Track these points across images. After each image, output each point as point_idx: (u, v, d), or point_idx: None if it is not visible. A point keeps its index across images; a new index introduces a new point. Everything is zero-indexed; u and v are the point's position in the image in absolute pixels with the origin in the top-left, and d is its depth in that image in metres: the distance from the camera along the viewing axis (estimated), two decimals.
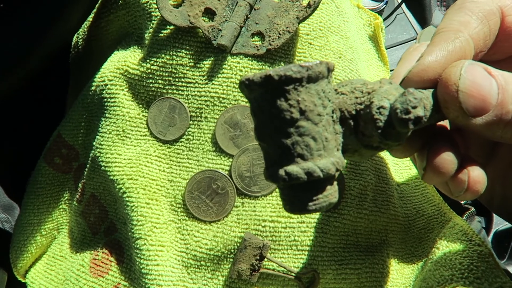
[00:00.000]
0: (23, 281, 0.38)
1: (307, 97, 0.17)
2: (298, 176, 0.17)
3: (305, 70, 0.17)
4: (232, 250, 0.31)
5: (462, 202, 0.42)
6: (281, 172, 0.18)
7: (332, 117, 0.18)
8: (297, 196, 0.18)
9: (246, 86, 0.18)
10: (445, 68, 0.21)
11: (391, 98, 0.18)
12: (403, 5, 0.56)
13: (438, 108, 0.21)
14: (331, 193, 0.19)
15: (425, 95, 0.21)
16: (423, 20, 0.56)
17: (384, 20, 0.51)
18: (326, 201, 0.18)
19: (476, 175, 0.22)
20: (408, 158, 0.39)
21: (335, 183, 0.19)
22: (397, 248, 0.34)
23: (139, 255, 0.31)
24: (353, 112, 0.19)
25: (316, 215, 0.31)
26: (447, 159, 0.22)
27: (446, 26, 0.23)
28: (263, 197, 0.32)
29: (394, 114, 0.18)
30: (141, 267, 0.31)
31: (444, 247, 0.31)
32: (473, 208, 0.40)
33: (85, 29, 0.38)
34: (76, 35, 0.39)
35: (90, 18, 0.37)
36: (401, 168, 0.38)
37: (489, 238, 0.47)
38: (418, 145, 0.23)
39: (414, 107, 0.17)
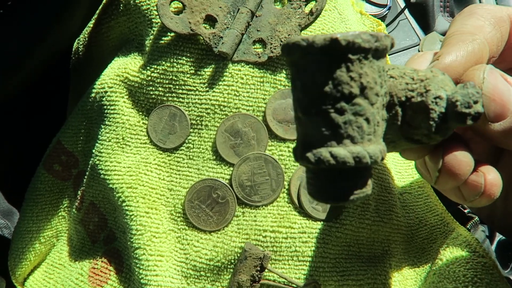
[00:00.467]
0: None
1: (370, 72, 0.15)
2: (345, 160, 0.15)
3: (374, 40, 0.15)
4: (232, 261, 0.30)
5: (465, 211, 0.41)
6: (325, 153, 0.15)
7: (383, 100, 0.17)
8: (333, 185, 0.16)
9: (301, 49, 0.15)
10: (466, 69, 0.20)
11: (448, 89, 0.17)
12: (406, 11, 0.56)
13: None
14: (369, 183, 0.17)
15: None
16: (426, 26, 0.55)
17: (387, 26, 0.51)
18: (364, 192, 0.17)
19: (493, 178, 0.21)
20: (411, 167, 0.38)
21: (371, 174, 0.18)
22: (400, 258, 0.33)
23: (138, 265, 0.31)
24: (403, 99, 0.17)
25: (318, 225, 0.31)
26: (464, 160, 0.21)
27: (459, 29, 0.22)
28: (264, 206, 0.31)
29: (453, 107, 0.16)
30: (140, 277, 0.30)
31: (447, 258, 0.30)
32: (477, 217, 0.39)
33: (85, 35, 0.37)
34: (76, 40, 0.39)
35: (91, 24, 0.37)
36: (403, 177, 0.37)
37: (493, 247, 0.46)
38: (431, 146, 0.23)
39: (476, 102, 0.16)
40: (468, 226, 0.39)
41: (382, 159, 0.16)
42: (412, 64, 0.25)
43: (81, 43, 0.38)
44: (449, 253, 0.31)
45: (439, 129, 0.17)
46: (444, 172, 0.22)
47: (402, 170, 0.38)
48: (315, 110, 0.16)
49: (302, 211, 0.31)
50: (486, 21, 0.22)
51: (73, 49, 0.39)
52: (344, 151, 0.15)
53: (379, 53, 0.15)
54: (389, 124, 0.17)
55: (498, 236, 0.47)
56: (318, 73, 0.15)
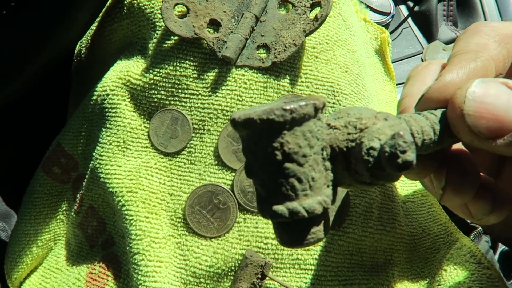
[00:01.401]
0: None
1: (291, 140, 0.17)
2: (283, 215, 0.17)
3: (288, 113, 0.17)
4: (233, 268, 0.30)
5: (469, 221, 0.41)
6: (268, 210, 0.18)
7: (322, 154, 0.18)
8: (287, 234, 0.19)
9: (232, 125, 0.18)
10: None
11: (382, 138, 0.17)
12: (409, 19, 0.56)
13: (451, 132, 0.20)
14: (319, 229, 0.19)
15: (434, 118, 0.20)
16: (430, 34, 0.55)
17: (390, 34, 0.51)
18: (314, 237, 0.18)
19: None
20: None
21: (323, 221, 0.19)
22: (403, 268, 0.33)
23: (136, 271, 0.30)
24: (344, 149, 0.18)
25: None
26: (469, 179, 0.21)
27: (463, 48, 0.22)
28: None
29: (383, 157, 0.17)
30: (138, 283, 0.30)
31: (451, 269, 0.30)
32: (480, 227, 0.39)
33: (88, 38, 0.37)
34: (79, 43, 0.38)
35: (93, 27, 0.37)
36: (406, 185, 0.37)
37: (496, 257, 0.46)
38: (433, 166, 0.22)
39: (403, 152, 0.16)
40: (471, 237, 0.38)
41: (325, 208, 0.18)
42: (416, 75, 0.24)
43: (83, 45, 0.38)
44: (453, 264, 0.30)
45: (381, 176, 0.18)
46: (449, 191, 0.21)
47: (405, 179, 0.37)
48: (255, 174, 0.18)
49: None
50: (491, 39, 0.22)
51: (76, 52, 0.39)
52: (282, 207, 0.17)
53: (297, 122, 0.17)
54: (339, 171, 0.19)
55: (501, 247, 0.46)
56: (249, 143, 0.18)
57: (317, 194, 0.18)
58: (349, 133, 0.18)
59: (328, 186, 0.18)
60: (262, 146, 0.17)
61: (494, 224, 0.26)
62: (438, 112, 0.20)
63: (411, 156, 0.16)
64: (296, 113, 0.17)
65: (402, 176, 0.37)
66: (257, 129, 0.17)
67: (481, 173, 0.23)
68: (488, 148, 0.19)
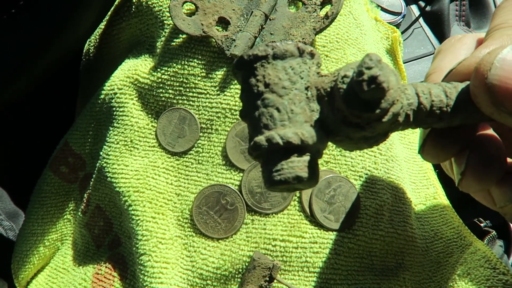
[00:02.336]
0: None
1: (272, 72, 0.18)
2: (260, 143, 0.18)
3: (270, 48, 0.18)
4: (240, 270, 0.29)
5: (482, 225, 0.40)
6: (251, 143, 0.18)
7: (307, 94, 0.19)
8: (267, 169, 0.19)
9: (232, 71, 0.19)
10: None
11: (355, 67, 0.17)
12: (421, 19, 0.55)
13: (471, 102, 0.19)
14: (298, 165, 0.18)
15: (450, 86, 0.19)
16: (441, 34, 0.54)
17: (401, 34, 0.50)
18: (292, 172, 0.18)
19: None
20: (426, 178, 0.37)
21: (306, 157, 0.18)
22: (414, 272, 0.32)
23: (142, 272, 0.30)
24: (328, 89, 0.19)
25: (330, 235, 0.30)
26: (491, 165, 0.19)
27: (503, 22, 0.20)
28: (274, 214, 0.30)
29: (352, 80, 0.17)
30: (144, 284, 0.29)
31: (465, 274, 0.29)
32: (494, 232, 0.38)
33: (96, 37, 0.37)
34: (88, 42, 0.38)
35: (102, 25, 0.37)
36: (418, 188, 0.36)
37: (510, 262, 0.45)
38: (454, 148, 0.21)
39: (368, 68, 0.16)
40: (485, 241, 0.37)
41: (303, 141, 0.18)
42: (448, 49, 0.22)
43: (92, 44, 0.38)
44: (467, 269, 0.29)
45: (354, 104, 0.17)
46: (467, 177, 0.20)
47: (416, 181, 0.36)
48: (245, 114, 0.19)
49: (313, 220, 0.30)
50: None
51: (84, 51, 0.39)
52: (260, 137, 0.18)
53: (279, 56, 0.18)
54: (326, 115, 0.19)
55: None
56: (242, 84, 0.19)
57: (295, 127, 0.18)
58: (334, 76, 0.19)
59: (311, 126, 0.18)
60: (248, 81, 0.19)
61: None
62: (462, 84, 0.19)
63: (376, 71, 0.16)
64: (277, 49, 0.18)
65: (414, 178, 0.36)
66: (246, 67, 0.19)
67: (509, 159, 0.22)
68: (510, 124, 0.18)
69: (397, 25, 0.52)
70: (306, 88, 0.19)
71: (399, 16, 0.53)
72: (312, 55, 0.19)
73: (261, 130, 0.18)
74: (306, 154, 0.18)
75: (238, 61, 0.19)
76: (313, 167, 0.19)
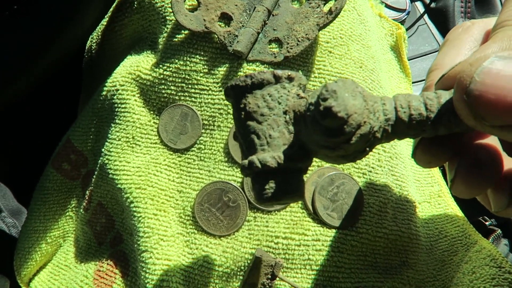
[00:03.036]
0: None
1: (251, 100, 0.20)
2: (244, 166, 0.20)
3: (249, 79, 0.20)
4: (242, 268, 0.29)
5: (487, 223, 0.39)
6: (240, 165, 0.21)
7: (285, 118, 0.20)
8: (254, 188, 0.20)
9: (225, 96, 0.22)
10: None
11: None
12: (426, 16, 0.55)
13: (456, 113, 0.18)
14: (273, 186, 0.20)
15: (433, 95, 0.19)
16: (446, 31, 0.54)
17: (405, 30, 0.49)
18: (268, 193, 0.20)
19: None
20: (430, 175, 0.37)
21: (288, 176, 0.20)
22: (418, 270, 0.31)
23: (144, 269, 0.30)
24: (303, 113, 0.19)
25: (333, 233, 0.30)
26: (482, 172, 0.19)
27: (508, 19, 0.19)
28: (276, 212, 0.30)
29: (313, 109, 0.18)
30: (146, 281, 0.29)
31: (470, 273, 0.29)
32: (499, 230, 0.38)
33: (99, 33, 0.37)
34: (90, 39, 0.38)
35: (104, 22, 0.37)
36: (422, 185, 0.36)
37: None
38: (445, 156, 0.21)
39: (324, 99, 0.17)
40: (490, 240, 0.37)
41: (279, 164, 0.19)
42: (453, 40, 0.22)
43: (94, 41, 0.38)
44: (472, 268, 0.29)
45: (320, 131, 0.18)
46: (456, 183, 0.20)
47: (421, 178, 0.36)
48: (235, 136, 0.21)
49: (316, 217, 0.30)
50: None
51: (86, 47, 0.38)
52: (244, 161, 0.20)
53: (257, 86, 0.20)
54: (304, 135, 0.20)
55: None
56: (233, 111, 0.21)
57: (274, 151, 0.19)
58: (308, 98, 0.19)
59: (291, 147, 0.20)
60: (236, 109, 0.21)
61: None
62: (446, 94, 0.19)
63: (331, 103, 0.17)
64: (254, 79, 0.20)
65: (418, 176, 0.36)
66: (234, 95, 0.20)
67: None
68: (493, 134, 0.17)
69: (402, 22, 0.52)
70: (285, 112, 0.20)
71: (404, 13, 0.52)
72: (290, 79, 0.20)
73: (246, 154, 0.20)
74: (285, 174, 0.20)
75: (226, 91, 0.21)
76: (296, 184, 0.20)
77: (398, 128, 0.19)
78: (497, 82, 0.15)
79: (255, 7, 0.31)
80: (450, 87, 0.19)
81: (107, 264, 0.33)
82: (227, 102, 0.31)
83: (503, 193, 0.20)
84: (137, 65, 0.33)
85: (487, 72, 0.16)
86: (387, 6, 0.52)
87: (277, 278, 0.29)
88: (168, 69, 0.32)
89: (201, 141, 0.32)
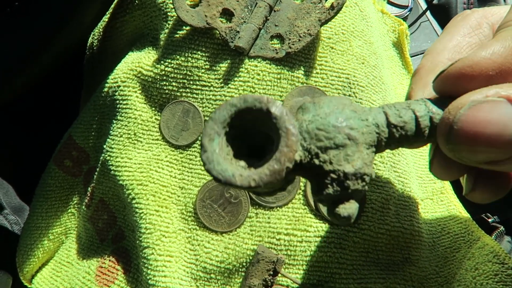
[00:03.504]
0: (29, 286, 0.37)
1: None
2: None
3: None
4: (244, 264, 0.29)
5: (490, 220, 0.39)
6: None
7: None
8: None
9: None
10: (500, 69, 0.17)
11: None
12: (428, 13, 0.54)
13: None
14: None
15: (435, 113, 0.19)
16: None
17: (408, 27, 0.49)
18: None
19: None
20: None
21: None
22: (421, 267, 0.31)
23: (146, 265, 0.30)
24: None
25: (335, 229, 0.29)
26: (494, 191, 0.20)
27: None
28: (278, 208, 0.30)
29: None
30: (148, 277, 0.29)
31: (473, 269, 0.28)
32: (502, 227, 0.37)
33: (100, 30, 0.37)
34: (91, 35, 0.38)
35: (105, 18, 0.37)
36: (425, 182, 0.36)
37: None
38: (459, 171, 0.21)
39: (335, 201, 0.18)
40: (493, 236, 0.37)
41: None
42: (450, 28, 0.23)
43: (95, 37, 0.37)
44: (475, 264, 0.29)
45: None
46: (477, 192, 0.21)
47: (423, 175, 0.36)
48: None
49: (318, 214, 0.30)
50: None
51: (88, 44, 0.38)
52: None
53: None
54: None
55: None
56: None
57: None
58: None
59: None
60: None
61: None
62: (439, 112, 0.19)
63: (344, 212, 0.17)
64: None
65: (420, 173, 0.36)
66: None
67: None
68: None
69: (404, 19, 0.52)
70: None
71: (406, 9, 0.52)
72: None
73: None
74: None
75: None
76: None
77: (391, 142, 0.19)
78: (473, 128, 0.17)
79: (256, 3, 0.31)
80: (448, 88, 0.19)
81: (109, 260, 0.33)
82: (229, 98, 0.31)
83: (471, 178, 0.21)
84: (139, 61, 0.33)
85: (463, 120, 0.17)
86: (389, 2, 0.52)
87: (279, 275, 0.29)
88: (169, 65, 0.32)
89: None
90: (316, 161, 0.17)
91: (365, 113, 0.19)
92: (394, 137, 0.19)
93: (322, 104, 0.18)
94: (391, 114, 0.19)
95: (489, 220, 0.40)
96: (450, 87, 0.19)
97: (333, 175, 0.17)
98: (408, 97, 0.23)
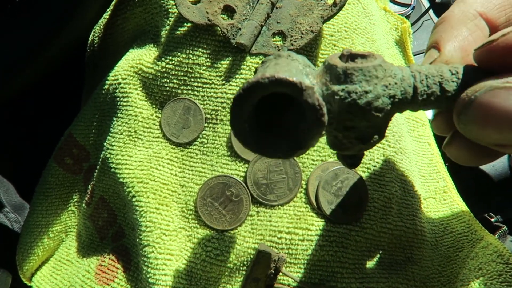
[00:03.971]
0: (29, 284, 0.37)
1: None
2: None
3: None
4: (245, 262, 0.29)
5: (492, 220, 0.39)
6: None
7: None
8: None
9: None
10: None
11: None
12: (431, 11, 0.54)
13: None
14: None
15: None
16: None
17: (410, 25, 0.49)
18: None
19: None
20: (436, 171, 0.36)
21: None
22: (423, 266, 0.31)
23: (146, 263, 0.29)
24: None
25: (337, 228, 0.29)
26: (474, 148, 0.21)
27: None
28: (279, 206, 0.30)
29: None
30: (148, 276, 0.29)
31: (476, 269, 0.28)
32: (505, 227, 0.37)
33: (101, 27, 0.37)
34: (92, 33, 0.38)
35: (106, 16, 0.36)
36: (427, 181, 0.35)
37: None
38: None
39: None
40: (496, 236, 0.36)
41: None
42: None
43: (96, 35, 0.37)
44: (478, 264, 0.29)
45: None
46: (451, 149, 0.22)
47: (426, 174, 0.36)
48: None
49: (320, 212, 0.30)
50: None
51: (89, 41, 0.38)
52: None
53: None
54: None
55: None
56: None
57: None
58: None
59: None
60: None
61: None
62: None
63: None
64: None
65: (423, 172, 0.35)
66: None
67: None
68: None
69: (407, 17, 0.51)
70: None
71: (409, 8, 0.52)
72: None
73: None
74: None
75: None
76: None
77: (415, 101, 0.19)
78: (485, 112, 0.17)
79: (258, 0, 0.31)
80: (493, 61, 0.18)
81: (109, 258, 0.33)
82: (230, 96, 0.31)
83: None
84: (139, 58, 0.33)
85: (478, 102, 0.17)
86: (392, 0, 0.51)
87: (280, 273, 0.28)
88: (170, 63, 0.32)
89: (204, 135, 0.32)
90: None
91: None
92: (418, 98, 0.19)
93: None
94: (419, 85, 0.19)
95: (492, 219, 0.39)
96: (496, 60, 0.18)
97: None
98: (434, 44, 0.22)
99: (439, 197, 0.35)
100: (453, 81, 0.19)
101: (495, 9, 0.21)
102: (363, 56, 0.18)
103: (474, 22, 0.21)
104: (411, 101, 0.19)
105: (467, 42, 0.21)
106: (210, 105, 0.31)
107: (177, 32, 0.32)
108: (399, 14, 0.49)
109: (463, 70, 0.19)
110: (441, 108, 0.20)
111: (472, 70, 0.19)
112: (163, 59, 0.32)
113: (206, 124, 0.32)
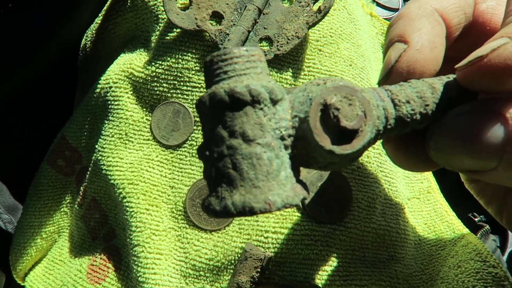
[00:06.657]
0: (22, 284, 0.38)
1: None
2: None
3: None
4: (233, 261, 0.30)
5: (476, 220, 0.40)
6: None
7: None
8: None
9: None
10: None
11: None
12: None
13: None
14: None
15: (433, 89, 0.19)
16: None
17: None
18: None
19: None
20: (420, 172, 0.37)
21: None
22: (406, 264, 0.32)
23: (136, 263, 0.30)
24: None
25: (322, 228, 0.30)
26: (409, 151, 0.21)
27: None
28: None
29: None
30: (138, 275, 0.30)
31: (455, 267, 0.29)
32: (487, 226, 0.38)
33: (93, 31, 0.37)
34: (84, 37, 0.39)
35: (98, 20, 0.37)
36: (412, 182, 0.36)
37: (504, 258, 0.45)
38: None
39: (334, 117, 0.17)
40: (478, 235, 0.38)
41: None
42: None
43: (88, 39, 0.38)
44: (458, 262, 0.30)
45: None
46: (387, 146, 0.22)
47: (410, 175, 0.37)
48: None
49: (305, 212, 0.31)
50: None
51: (81, 45, 0.39)
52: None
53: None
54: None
55: (510, 247, 0.45)
56: None
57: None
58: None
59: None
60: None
61: (504, 210, 0.25)
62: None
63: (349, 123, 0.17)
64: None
65: (407, 172, 0.36)
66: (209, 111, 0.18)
67: None
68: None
69: None
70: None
71: (396, 13, 0.53)
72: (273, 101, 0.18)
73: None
74: None
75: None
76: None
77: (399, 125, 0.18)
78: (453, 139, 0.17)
79: (246, 6, 0.32)
80: (488, 84, 0.16)
81: (101, 258, 0.34)
82: None
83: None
84: (130, 63, 0.34)
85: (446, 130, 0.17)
86: (379, 5, 0.52)
87: (267, 272, 0.29)
88: (160, 67, 0.33)
89: (193, 138, 0.33)
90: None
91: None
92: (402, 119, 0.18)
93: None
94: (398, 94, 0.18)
95: (476, 219, 0.40)
96: (490, 82, 0.16)
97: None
98: (398, 38, 0.21)
99: (423, 197, 0.36)
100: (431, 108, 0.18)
101: (451, 8, 0.21)
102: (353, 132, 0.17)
103: (433, 17, 0.20)
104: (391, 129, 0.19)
105: (432, 35, 0.20)
106: None
107: (167, 38, 0.33)
108: (386, 18, 0.50)
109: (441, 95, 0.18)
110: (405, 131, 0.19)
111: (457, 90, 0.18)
112: (153, 63, 0.33)
113: (195, 127, 0.32)
